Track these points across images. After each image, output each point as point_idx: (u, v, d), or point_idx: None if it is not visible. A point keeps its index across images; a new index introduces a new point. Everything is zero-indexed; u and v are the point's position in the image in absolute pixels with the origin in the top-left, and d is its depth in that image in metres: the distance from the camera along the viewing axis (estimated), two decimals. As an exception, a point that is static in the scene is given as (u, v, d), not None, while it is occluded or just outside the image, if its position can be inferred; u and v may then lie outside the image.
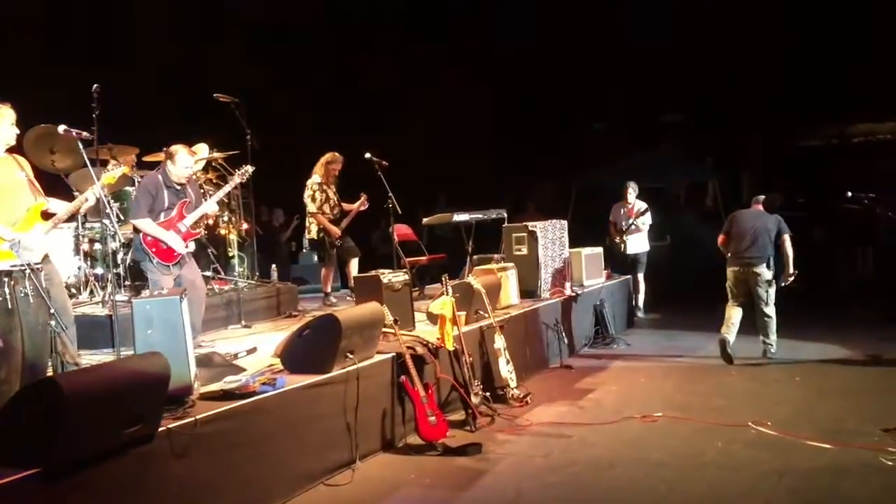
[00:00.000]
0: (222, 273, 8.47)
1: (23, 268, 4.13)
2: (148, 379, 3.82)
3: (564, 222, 9.34)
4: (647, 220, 10.89)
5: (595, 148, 15.66)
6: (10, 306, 3.99)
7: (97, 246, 7.52)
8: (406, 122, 14.10)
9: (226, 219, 8.72)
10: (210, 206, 6.72)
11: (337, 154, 8.97)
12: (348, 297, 8.87)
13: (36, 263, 4.30)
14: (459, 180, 14.01)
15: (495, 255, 8.78)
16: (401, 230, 9.65)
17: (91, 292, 7.27)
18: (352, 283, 8.74)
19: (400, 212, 8.53)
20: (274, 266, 9.78)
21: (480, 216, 9.39)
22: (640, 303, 11.15)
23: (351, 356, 5.21)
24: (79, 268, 7.30)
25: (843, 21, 13.85)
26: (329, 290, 9.09)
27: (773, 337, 7.85)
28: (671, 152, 15.82)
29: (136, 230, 6.21)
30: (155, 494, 3.81)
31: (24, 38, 9.63)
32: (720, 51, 14.92)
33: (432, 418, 5.42)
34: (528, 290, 8.57)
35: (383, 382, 5.56)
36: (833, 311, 10.56)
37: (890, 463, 4.81)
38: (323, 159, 8.95)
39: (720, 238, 8.11)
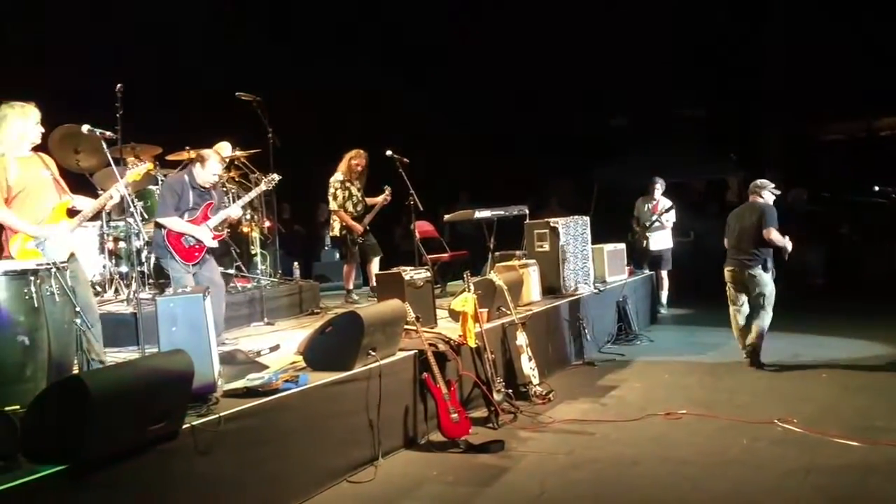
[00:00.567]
0: (245, 271, 8.51)
1: (49, 266, 4.16)
2: (172, 376, 3.84)
3: (587, 218, 9.29)
4: (671, 216, 10.82)
5: (616, 143, 15.60)
6: (36, 304, 4.02)
7: (122, 244, 7.58)
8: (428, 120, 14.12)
9: (248, 217, 8.76)
10: (234, 211, 6.79)
11: (360, 150, 8.99)
12: (370, 296, 8.89)
13: (62, 262, 4.34)
14: (481, 177, 14.01)
15: (517, 252, 8.75)
16: (422, 227, 9.65)
17: (116, 290, 7.33)
18: (373, 281, 8.76)
19: (422, 209, 8.52)
20: (296, 264, 9.81)
21: (502, 213, 9.37)
22: (664, 299, 11.10)
23: (373, 353, 5.21)
24: (104, 266, 7.37)
25: (868, 13, 13.68)
26: (351, 287, 9.11)
27: (761, 342, 7.34)
28: (693, 147, 15.71)
29: (159, 227, 6.25)
30: (179, 491, 3.83)
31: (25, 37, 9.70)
32: (743, 44, 14.81)
33: (455, 415, 5.42)
34: (551, 287, 8.54)
35: (405, 379, 5.57)
36: (860, 306, 10.43)
37: (919, 461, 4.75)
38: (346, 156, 8.97)
39: (726, 241, 7.74)
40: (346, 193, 8.87)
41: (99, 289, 7.25)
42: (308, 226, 13.84)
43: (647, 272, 10.85)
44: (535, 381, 6.61)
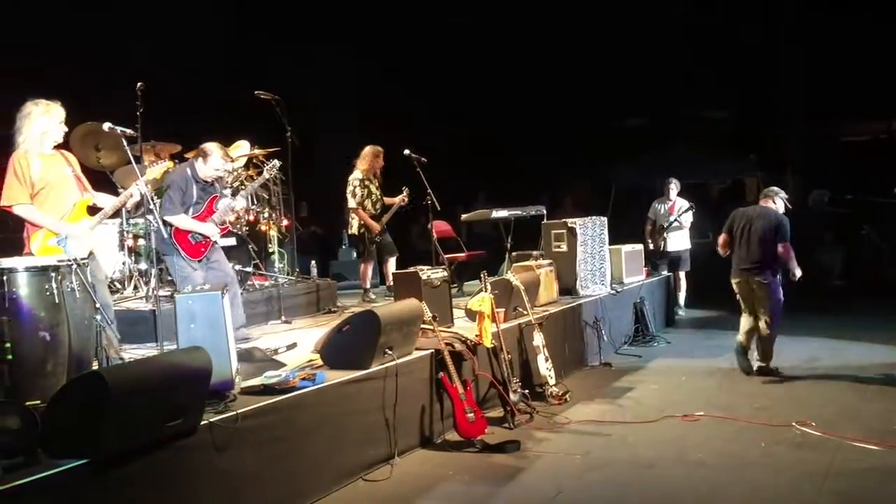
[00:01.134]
0: (262, 269, 8.55)
1: (69, 263, 4.20)
2: (190, 373, 3.87)
3: (604, 219, 9.25)
4: (689, 217, 10.74)
5: (634, 144, 15.53)
6: (56, 301, 4.06)
7: (141, 241, 7.64)
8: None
9: (266, 215, 8.80)
10: (239, 203, 6.76)
11: (378, 148, 9.01)
12: (387, 295, 8.91)
13: (82, 259, 4.38)
14: (498, 177, 13.99)
15: (534, 252, 8.74)
16: (440, 227, 9.66)
17: (135, 287, 7.38)
18: (390, 280, 8.77)
19: (439, 208, 8.52)
20: (313, 262, 9.85)
21: (519, 213, 9.37)
22: (682, 301, 11.04)
23: (390, 352, 5.22)
24: (123, 263, 7.42)
25: (890, 12, 13.54)
26: (368, 286, 9.13)
27: (770, 351, 7.11)
28: (712, 148, 15.61)
29: (165, 224, 6.23)
30: (197, 487, 3.86)
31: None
32: (763, 45, 14.71)
33: (471, 415, 5.42)
34: (568, 287, 8.52)
35: (422, 379, 5.57)
36: (881, 309, 10.33)
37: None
38: (364, 154, 8.99)
39: (721, 238, 7.36)
40: (366, 191, 8.90)
41: (118, 286, 7.31)
42: (326, 224, 13.89)
43: (664, 273, 10.80)
44: (552, 381, 6.59)
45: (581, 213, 9.46)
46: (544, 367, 6.59)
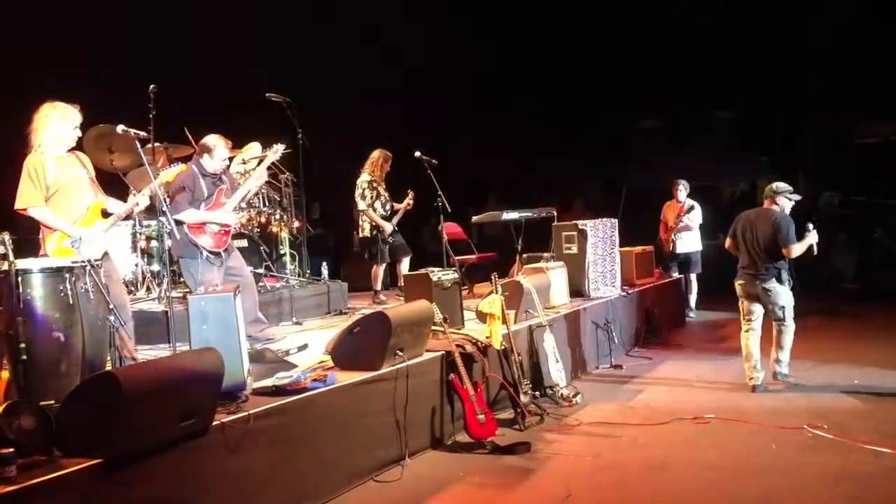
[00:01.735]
0: (274, 270, 8.58)
1: (83, 264, 4.24)
2: (202, 374, 3.90)
3: (615, 220, 9.24)
4: (696, 217, 10.68)
5: (645, 146, 15.50)
6: (70, 302, 4.10)
7: (154, 243, 7.68)
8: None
9: (277, 217, 8.84)
10: (247, 187, 6.75)
11: (388, 153, 9.03)
12: (397, 296, 8.92)
13: (96, 260, 4.42)
14: (509, 179, 13.98)
15: (545, 254, 8.74)
16: (450, 228, 9.67)
17: (147, 289, 7.43)
18: (401, 281, 8.78)
19: (450, 210, 8.54)
20: (325, 263, 9.87)
21: (530, 214, 9.37)
22: (692, 302, 11.01)
23: (401, 354, 5.24)
24: (136, 264, 7.47)
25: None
26: (379, 287, 9.15)
27: (787, 357, 6.84)
28: (724, 150, 15.57)
29: (179, 225, 6.13)
30: (209, 487, 3.88)
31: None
32: (776, 47, 14.65)
33: (481, 416, 5.42)
34: (578, 289, 8.52)
35: (432, 380, 5.59)
36: (892, 310, 10.28)
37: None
38: (372, 157, 9.01)
39: (727, 242, 7.15)
40: (374, 194, 8.92)
41: (131, 287, 7.36)
42: (337, 226, 13.87)
43: (675, 275, 10.78)
44: (562, 383, 6.59)
45: (592, 215, 9.45)
46: (555, 368, 6.59)
